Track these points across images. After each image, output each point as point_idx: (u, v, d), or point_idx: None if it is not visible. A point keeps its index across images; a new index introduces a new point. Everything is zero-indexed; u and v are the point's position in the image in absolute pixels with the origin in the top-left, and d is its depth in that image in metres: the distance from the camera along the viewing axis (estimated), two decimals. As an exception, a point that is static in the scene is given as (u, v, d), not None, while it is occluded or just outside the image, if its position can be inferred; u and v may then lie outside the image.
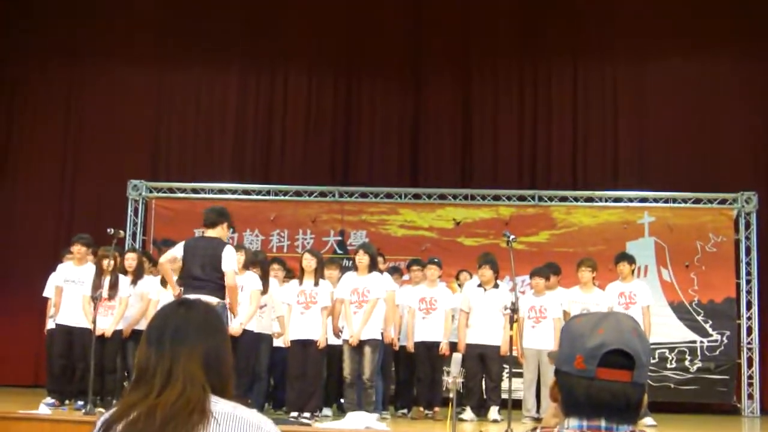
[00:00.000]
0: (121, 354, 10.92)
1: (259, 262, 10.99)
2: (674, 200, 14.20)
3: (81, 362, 10.56)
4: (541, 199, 14.43)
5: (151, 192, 14.97)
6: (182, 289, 9.22)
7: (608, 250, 12.82)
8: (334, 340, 10.73)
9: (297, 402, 10.29)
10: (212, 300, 8.59)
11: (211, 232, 9.37)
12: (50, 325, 11.32)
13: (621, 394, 2.12)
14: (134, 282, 10.96)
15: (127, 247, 12.68)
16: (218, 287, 9.05)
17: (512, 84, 15.60)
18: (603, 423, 2.12)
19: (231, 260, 9.14)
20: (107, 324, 10.56)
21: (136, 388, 2.53)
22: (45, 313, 11.73)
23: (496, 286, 11.20)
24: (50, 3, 16.03)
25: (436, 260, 11.60)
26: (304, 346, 10.37)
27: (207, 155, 15.64)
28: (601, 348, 2.12)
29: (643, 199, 14.26)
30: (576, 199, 14.40)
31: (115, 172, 15.11)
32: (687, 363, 13.49)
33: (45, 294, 11.62)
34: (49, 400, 10.46)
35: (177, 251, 9.30)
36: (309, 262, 10.55)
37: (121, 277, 10.77)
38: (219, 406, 2.48)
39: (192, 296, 8.33)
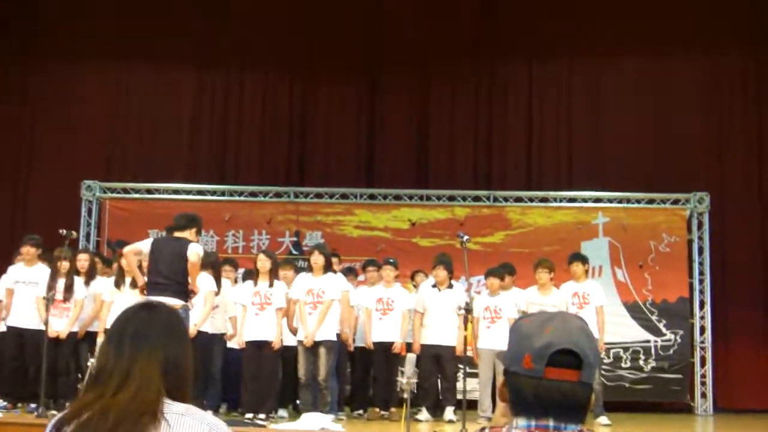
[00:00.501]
0: (74, 356, 10.84)
1: (211, 264, 10.93)
2: (628, 200, 14.28)
3: (33, 364, 10.46)
4: (496, 199, 14.46)
5: (105, 192, 14.83)
6: (146, 280, 9.19)
7: (563, 251, 12.84)
8: (289, 341, 10.71)
9: (252, 403, 10.27)
10: (176, 303, 8.55)
11: (177, 234, 9.36)
12: (1, 327, 11.20)
13: (569, 394, 2.12)
14: (87, 283, 10.90)
15: (80, 248, 12.56)
16: (182, 289, 9.03)
17: (468, 85, 15.63)
18: (551, 422, 2.12)
19: (195, 252, 9.16)
20: (61, 326, 10.49)
21: (91, 388, 2.52)
22: (-3, 314, 11.61)
23: (450, 286, 11.23)
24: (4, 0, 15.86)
25: (392, 261, 11.61)
26: (258, 347, 10.35)
27: (162, 156, 15.50)
28: (549, 348, 2.13)
29: (597, 200, 14.34)
30: (531, 200, 14.44)
31: (68, 173, 14.96)
32: (641, 362, 13.58)
33: (-5, 296, 11.49)
34: (1, 402, 10.37)
35: (144, 245, 9.36)
36: (263, 263, 10.52)
37: (76, 278, 10.68)
38: (172, 408, 2.47)
39: (155, 298, 8.32)
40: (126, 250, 9.64)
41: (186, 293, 9.10)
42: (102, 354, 2.62)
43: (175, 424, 2.43)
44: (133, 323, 2.64)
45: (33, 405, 10.16)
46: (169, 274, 9.04)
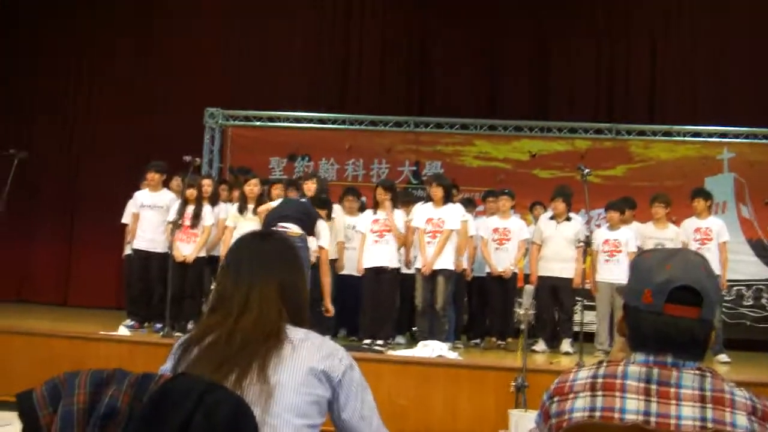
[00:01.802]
0: (199, 279, 11.11)
1: (323, 202, 10.96)
2: (755, 135, 13.89)
3: (158, 286, 10.77)
4: (618, 132, 14.22)
5: (227, 120, 15.08)
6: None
7: (686, 186, 12.60)
8: (407, 269, 10.83)
9: (370, 329, 10.43)
10: (296, 230, 8.73)
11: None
12: (127, 250, 11.54)
13: (689, 331, 2.13)
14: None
15: (203, 174, 12.79)
16: (304, 222, 9.19)
17: (592, 14, 15.31)
18: (670, 359, 2.14)
19: (325, 237, 9.47)
20: (188, 250, 10.72)
21: (213, 313, 2.62)
22: (124, 239, 11.95)
23: (568, 219, 11.16)
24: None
25: (507, 191, 11.56)
26: (377, 273, 10.49)
27: (284, 84, 15.62)
28: (669, 283, 2.14)
29: (723, 134, 13.93)
30: (654, 134, 14.15)
31: (192, 100, 15.23)
32: (764, 301, 13.33)
33: (123, 220, 11.81)
34: (129, 322, 10.69)
35: (274, 202, 9.63)
36: (382, 196, 10.63)
37: (205, 205, 10.90)
38: (293, 332, 2.56)
39: (279, 225, 8.61)
40: (260, 210, 9.94)
41: (306, 225, 9.24)
42: (221, 280, 2.72)
43: (299, 346, 2.53)
44: (247, 251, 2.75)
45: (158, 325, 10.47)
46: (296, 214, 9.22)
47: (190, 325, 10.22)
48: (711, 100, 14.61)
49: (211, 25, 15.82)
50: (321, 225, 9.50)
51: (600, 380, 2.16)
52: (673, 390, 2.09)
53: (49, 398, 1.87)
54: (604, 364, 2.20)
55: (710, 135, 13.99)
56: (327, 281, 9.58)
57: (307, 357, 2.53)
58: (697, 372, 2.11)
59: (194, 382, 1.89)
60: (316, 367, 2.53)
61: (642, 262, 2.27)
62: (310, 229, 9.24)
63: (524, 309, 7.75)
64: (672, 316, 2.13)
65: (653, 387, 2.10)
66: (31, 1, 16.07)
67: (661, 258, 2.23)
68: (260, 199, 10.85)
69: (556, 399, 2.22)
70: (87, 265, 15.54)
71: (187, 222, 10.66)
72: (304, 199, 10.08)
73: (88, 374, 1.89)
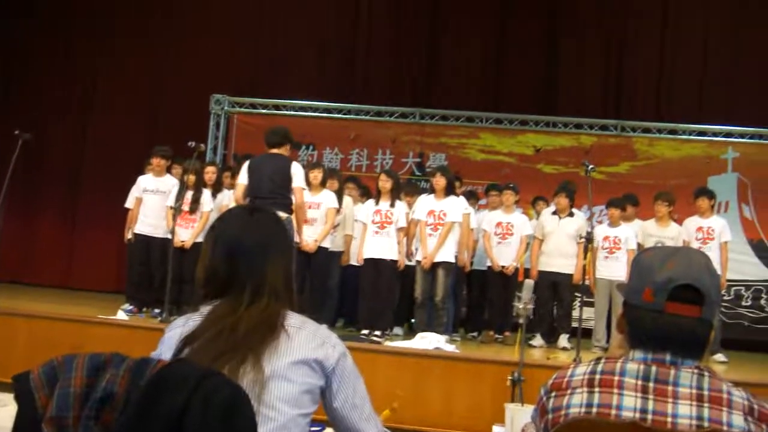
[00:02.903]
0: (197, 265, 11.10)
1: (337, 180, 11.08)
2: (760, 136, 13.88)
3: (159, 271, 10.79)
4: (623, 129, 14.21)
5: (233, 107, 15.09)
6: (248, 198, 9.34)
7: (689, 184, 12.62)
8: (407, 261, 10.84)
9: (368, 319, 10.44)
10: (281, 214, 8.70)
11: (275, 151, 9.42)
12: (129, 234, 11.56)
13: (689, 330, 2.13)
14: (213, 195, 11.10)
15: (207, 160, 12.79)
16: (285, 203, 9.14)
17: (601, 11, 15.28)
18: (668, 357, 2.14)
19: (300, 177, 9.23)
20: (187, 235, 10.74)
21: (215, 296, 2.61)
22: (126, 223, 11.97)
23: (571, 214, 11.17)
24: None
25: (511, 185, 11.56)
26: (376, 264, 10.49)
27: (290, 72, 15.61)
28: (671, 282, 2.14)
29: (728, 134, 13.92)
30: (659, 131, 14.14)
31: (198, 87, 15.23)
32: (763, 302, 13.34)
33: (126, 204, 11.82)
34: (128, 306, 10.71)
35: (243, 178, 9.42)
36: (385, 183, 10.62)
37: (204, 191, 10.91)
38: (290, 319, 2.57)
39: None
40: (236, 197, 9.73)
41: (289, 207, 9.21)
42: (213, 257, 2.71)
43: (294, 335, 2.53)
44: (241, 231, 2.73)
45: (157, 310, 10.47)
46: (272, 189, 9.14)
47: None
48: (717, 99, 14.57)
49: (219, 11, 15.80)
50: (295, 167, 9.41)
51: (598, 376, 2.16)
52: (670, 388, 2.09)
53: (46, 380, 1.87)
54: (603, 360, 2.20)
55: (715, 134, 13.97)
56: (301, 220, 9.76)
57: (301, 346, 2.53)
58: (695, 371, 2.11)
59: (192, 368, 1.89)
60: (309, 356, 2.53)
61: (643, 260, 2.27)
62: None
63: (523, 303, 7.75)
64: (673, 315, 2.13)
65: (651, 384, 2.11)
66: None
67: (663, 256, 2.23)
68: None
69: (553, 394, 2.23)
70: (89, 248, 15.57)
71: (186, 207, 10.67)
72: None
73: (86, 357, 1.89)
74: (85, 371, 1.86)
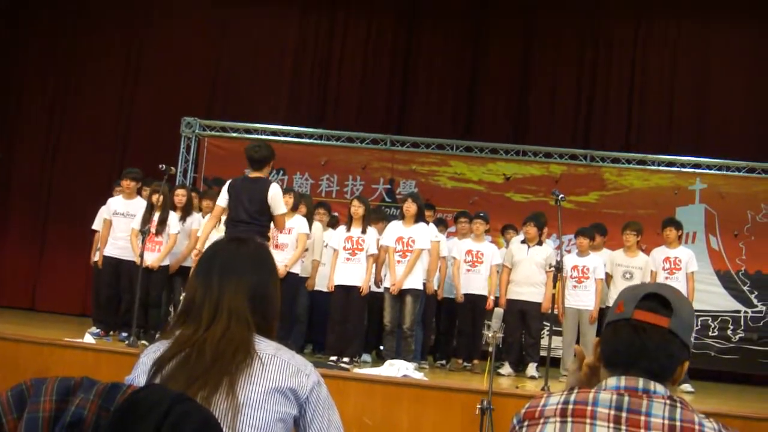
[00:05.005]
0: (167, 289, 11.07)
1: (306, 205, 11.05)
2: (728, 168, 14.01)
3: (126, 294, 10.70)
4: (593, 159, 14.31)
5: (204, 130, 15.06)
6: (226, 221, 9.22)
7: (657, 214, 12.73)
8: (375, 288, 10.83)
9: (336, 346, 10.40)
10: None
11: (256, 174, 9.18)
12: (96, 257, 11.47)
13: (658, 341, 2.15)
14: (183, 218, 11.04)
15: (177, 183, 12.74)
16: (264, 230, 9.05)
17: (572, 40, 15.42)
18: (641, 384, 2.14)
19: (280, 203, 9.08)
20: (152, 258, 10.67)
21: (184, 323, 2.59)
22: (93, 245, 11.89)
23: (539, 243, 11.20)
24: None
25: (482, 215, 11.59)
26: (347, 291, 10.46)
27: (262, 97, 15.63)
28: (640, 292, 2.19)
29: (696, 165, 14.06)
30: (628, 161, 14.25)
31: (169, 109, 15.20)
32: (729, 332, 13.42)
33: (94, 227, 11.77)
34: (95, 330, 10.63)
35: (222, 201, 9.16)
36: (357, 208, 10.61)
37: (171, 213, 10.86)
38: (262, 345, 2.55)
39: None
40: (213, 216, 9.58)
41: (266, 233, 9.11)
42: (191, 286, 2.70)
43: (268, 362, 2.51)
44: (221, 256, 2.72)
45: (124, 334, 10.40)
46: (250, 214, 8.99)
47: (156, 334, 10.15)
48: (686, 130, 14.75)
49: (191, 35, 15.80)
50: (272, 192, 9.00)
51: (571, 406, 2.15)
52: (643, 418, 2.09)
53: (15, 404, 1.84)
54: (576, 390, 2.20)
55: (683, 165, 14.09)
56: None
57: (275, 374, 2.50)
58: (667, 401, 2.11)
59: (163, 393, 1.87)
60: (283, 384, 2.50)
61: (624, 290, 2.31)
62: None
63: (493, 332, 7.75)
64: (641, 322, 2.15)
65: (623, 415, 2.10)
66: (11, 10, 16.02)
67: (642, 284, 2.29)
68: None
69: (526, 423, 2.22)
70: (55, 270, 15.45)
71: (153, 230, 10.61)
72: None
73: (56, 381, 1.86)
74: (55, 395, 1.84)
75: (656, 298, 2.18)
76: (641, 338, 2.15)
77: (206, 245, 10.07)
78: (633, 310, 2.18)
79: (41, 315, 14.23)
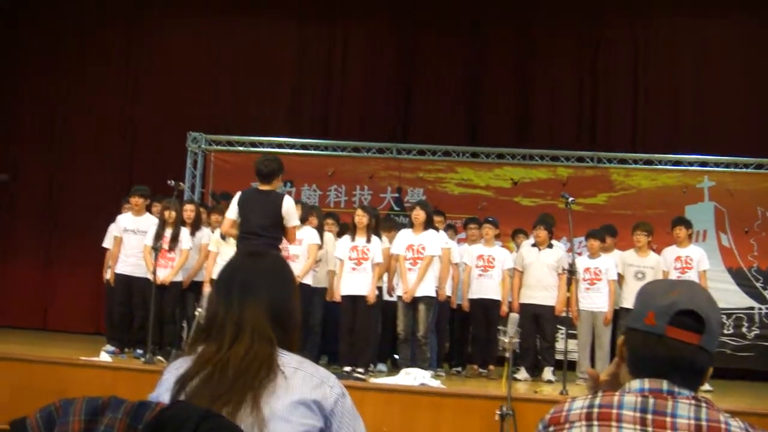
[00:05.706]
0: (180, 304, 11.07)
1: (316, 216, 11.06)
2: (735, 165, 13.96)
3: (140, 311, 10.72)
4: (599, 160, 14.28)
5: (210, 144, 15.07)
6: (238, 234, 9.10)
7: (667, 214, 12.69)
8: (388, 296, 10.82)
9: (349, 356, 10.38)
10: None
11: (266, 187, 8.99)
12: (108, 274, 11.49)
13: (687, 357, 2.13)
14: (192, 233, 11.06)
15: (186, 199, 12.74)
16: (276, 243, 8.97)
17: (574, 43, 15.41)
18: (665, 386, 2.13)
19: (294, 215, 8.99)
20: (164, 274, 10.69)
21: (206, 339, 2.59)
22: (105, 263, 11.91)
23: (550, 246, 11.19)
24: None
25: (491, 219, 11.59)
26: (354, 301, 10.44)
27: (266, 109, 15.63)
28: (674, 306, 2.14)
29: (704, 163, 14.02)
30: (635, 162, 14.21)
31: (172, 123, 15.23)
32: (744, 329, 13.38)
33: (104, 244, 11.79)
34: (110, 347, 10.64)
35: (232, 213, 9.00)
36: (361, 218, 10.59)
37: (182, 228, 10.88)
38: (285, 359, 2.54)
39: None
40: (223, 230, 9.63)
41: (277, 245, 9.00)
42: (211, 304, 2.69)
43: (291, 376, 2.50)
44: (240, 272, 2.71)
45: (139, 351, 10.42)
46: (263, 227, 8.80)
47: (172, 351, 10.17)
48: (692, 129, 14.70)
49: (195, 50, 15.82)
50: (286, 205, 8.88)
51: (596, 410, 2.15)
52: (668, 419, 2.08)
53: (44, 426, 1.84)
54: (600, 393, 2.19)
55: (691, 164, 14.05)
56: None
57: (299, 387, 2.49)
58: (692, 401, 2.10)
59: (191, 411, 1.87)
60: (308, 397, 2.49)
61: (648, 288, 2.28)
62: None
63: (509, 337, 7.74)
64: (672, 339, 2.13)
65: (649, 417, 2.09)
66: (13, 29, 16.07)
67: (668, 285, 2.25)
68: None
69: (551, 428, 2.21)
70: (66, 289, 15.46)
71: (165, 246, 10.62)
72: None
73: (84, 401, 1.87)
74: (83, 415, 1.84)
75: (691, 315, 2.15)
76: (672, 355, 2.13)
77: (218, 258, 10.15)
78: (665, 326, 2.15)
79: (53, 335, 14.21)
